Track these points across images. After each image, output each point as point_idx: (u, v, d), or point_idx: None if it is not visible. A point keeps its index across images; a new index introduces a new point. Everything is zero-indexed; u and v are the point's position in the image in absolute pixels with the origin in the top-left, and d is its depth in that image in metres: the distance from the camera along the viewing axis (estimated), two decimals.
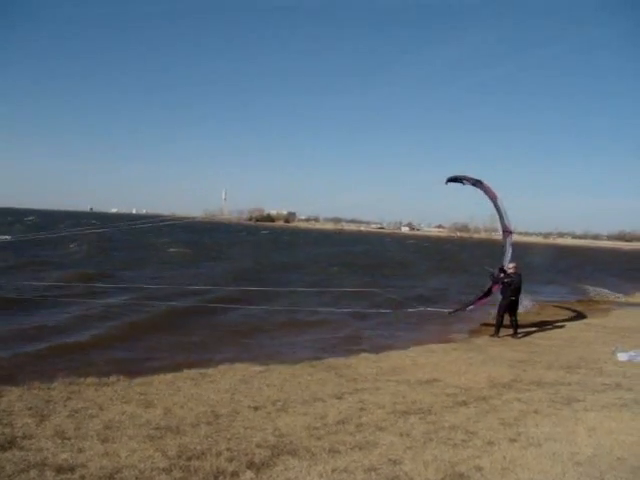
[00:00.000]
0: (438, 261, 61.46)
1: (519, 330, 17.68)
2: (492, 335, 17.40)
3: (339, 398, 9.48)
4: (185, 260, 44.17)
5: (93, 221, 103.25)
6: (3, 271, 28.98)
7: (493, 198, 18.41)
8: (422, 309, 20.97)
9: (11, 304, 19.31)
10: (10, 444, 6.62)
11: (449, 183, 19.19)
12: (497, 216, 19.19)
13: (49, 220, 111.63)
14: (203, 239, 79.93)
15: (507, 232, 18.66)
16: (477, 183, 18.63)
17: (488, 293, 18.81)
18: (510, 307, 17.57)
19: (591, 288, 35.07)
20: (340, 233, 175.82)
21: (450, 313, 19.98)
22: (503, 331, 17.44)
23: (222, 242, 76.33)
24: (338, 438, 7.31)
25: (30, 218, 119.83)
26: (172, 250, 52.48)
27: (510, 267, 17.79)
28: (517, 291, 17.60)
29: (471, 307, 19.50)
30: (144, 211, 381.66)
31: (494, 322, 17.94)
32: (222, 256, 50.80)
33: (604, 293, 33.25)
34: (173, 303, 21.33)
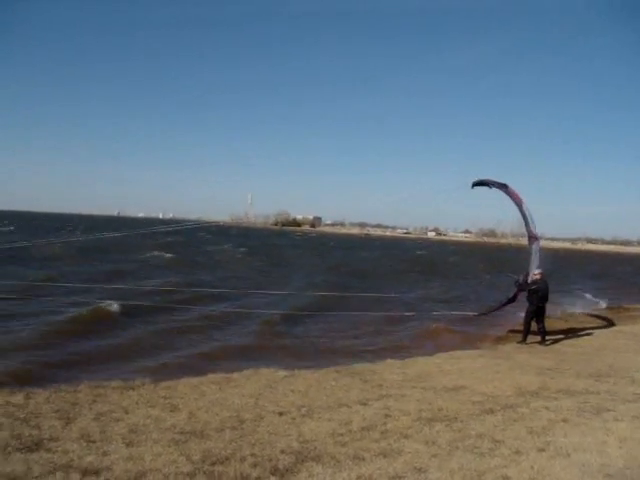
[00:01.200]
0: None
1: (547, 337, 17.44)
2: (519, 342, 17.17)
3: (364, 404, 9.42)
4: (265, 266, 44.95)
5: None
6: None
7: (519, 203, 18.23)
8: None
9: None
10: (37, 446, 6.68)
11: (475, 187, 19.03)
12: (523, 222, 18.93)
13: (94, 226, 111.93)
14: (251, 243, 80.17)
15: (533, 238, 18.40)
16: (502, 187, 18.47)
17: (513, 299, 18.64)
18: (537, 314, 17.34)
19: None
20: (367, 238, 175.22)
21: (475, 316, 19.93)
22: (530, 338, 17.23)
23: (272, 247, 76.44)
24: (363, 445, 7.25)
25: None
26: (240, 256, 53.31)
27: (536, 273, 17.56)
28: (544, 298, 17.34)
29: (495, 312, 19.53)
30: (171, 215, 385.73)
31: (521, 329, 17.72)
32: (291, 262, 51.09)
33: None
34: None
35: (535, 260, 18.21)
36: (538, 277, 17.47)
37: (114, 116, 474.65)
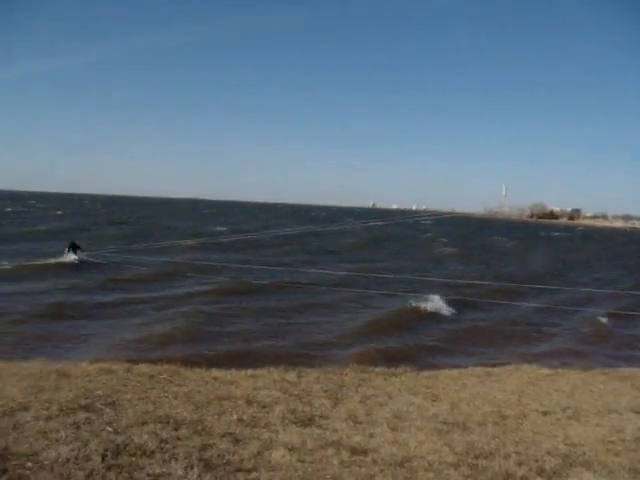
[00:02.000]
0: None
1: None
2: None
3: (637, 412, 8.73)
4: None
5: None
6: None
7: None
8: None
9: None
10: (310, 421, 7.16)
11: None
12: None
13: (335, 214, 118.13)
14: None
15: None
16: None
17: None
18: None
19: None
20: (632, 232, 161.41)
21: None
22: None
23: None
24: (639, 456, 6.72)
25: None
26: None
27: None
28: None
29: None
30: (424, 207, 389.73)
31: None
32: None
33: None
34: None
35: None
36: None
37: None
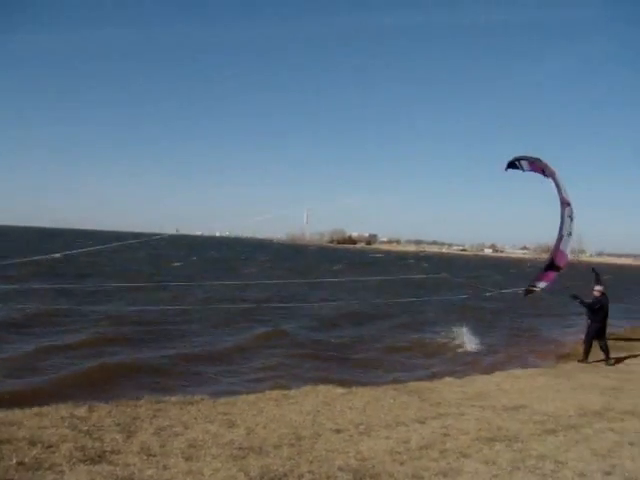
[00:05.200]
0: None
1: (611, 356, 16.94)
2: (580, 360, 16.81)
3: (422, 423, 9.30)
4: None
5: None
6: None
7: (552, 174, 17.96)
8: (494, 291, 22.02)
9: None
10: (100, 458, 6.80)
11: (508, 170, 18.65)
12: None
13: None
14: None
15: (565, 204, 18.03)
16: (537, 161, 18.20)
17: (551, 266, 18.12)
18: (599, 332, 16.85)
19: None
20: (423, 255, 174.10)
21: (525, 293, 19.33)
22: (592, 356, 16.79)
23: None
24: (421, 464, 7.16)
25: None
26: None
27: (597, 290, 17.09)
28: (605, 315, 16.92)
29: (542, 284, 18.71)
30: (227, 234, 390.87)
31: (581, 349, 17.30)
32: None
33: None
34: None
35: (566, 224, 17.86)
36: (598, 294, 17.00)
37: (169, 134, 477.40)
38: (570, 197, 18.20)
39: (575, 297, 17.12)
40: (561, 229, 17.87)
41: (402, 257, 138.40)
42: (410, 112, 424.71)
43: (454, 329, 21.71)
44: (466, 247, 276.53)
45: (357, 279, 37.63)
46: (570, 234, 18.01)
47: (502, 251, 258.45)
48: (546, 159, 18.34)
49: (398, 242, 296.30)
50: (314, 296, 33.68)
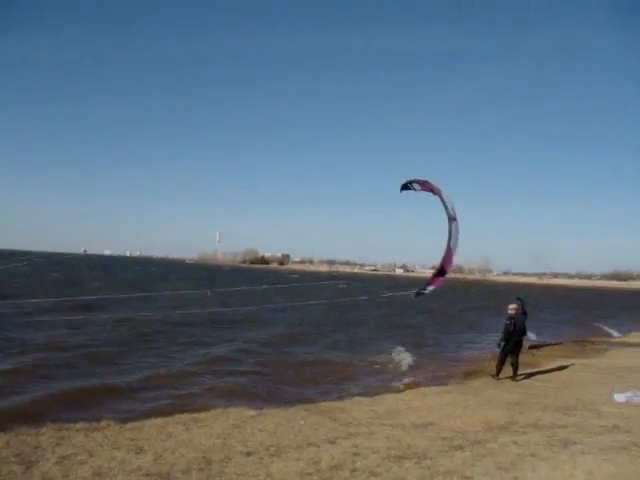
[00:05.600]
0: None
1: (518, 372, 17.52)
2: (493, 376, 17.24)
3: (333, 443, 9.32)
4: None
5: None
6: None
7: (439, 192, 19.06)
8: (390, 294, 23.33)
9: None
10: None
11: (403, 191, 19.62)
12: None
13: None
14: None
15: (452, 219, 19.08)
16: (426, 183, 19.25)
17: (441, 272, 19.04)
18: (513, 348, 17.35)
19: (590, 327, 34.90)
20: (336, 275, 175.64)
21: (416, 295, 20.14)
22: (502, 374, 17.30)
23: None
24: None
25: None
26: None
27: (512, 308, 17.66)
28: (521, 332, 17.48)
29: (431, 288, 19.61)
30: (137, 253, 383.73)
31: (490, 365, 17.83)
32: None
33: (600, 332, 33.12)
34: None
35: (454, 239, 18.81)
36: (513, 312, 17.50)
37: (74, 147, 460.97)
38: (456, 213, 19.27)
39: (504, 343, 17.47)
40: (449, 242, 18.91)
41: (317, 277, 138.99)
42: (320, 132, 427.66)
43: (376, 347, 22.10)
44: (378, 267, 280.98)
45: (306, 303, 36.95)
46: (456, 246, 19.10)
47: (413, 271, 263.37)
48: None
49: (311, 262, 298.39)
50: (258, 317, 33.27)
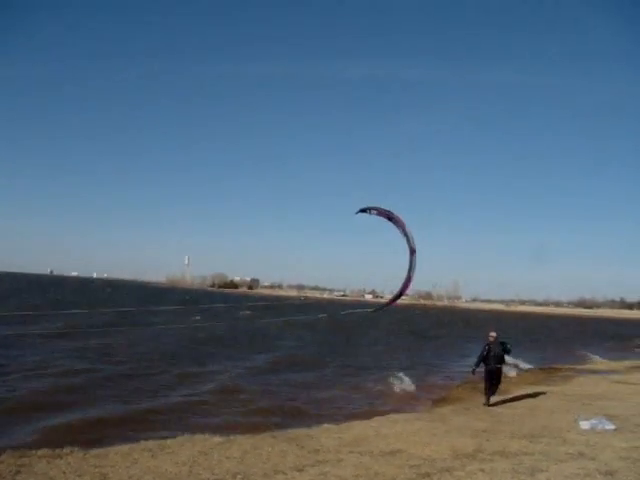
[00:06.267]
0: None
1: (491, 400, 17.74)
2: (484, 404, 17.46)
3: (300, 470, 9.26)
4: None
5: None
6: None
7: (402, 225, 20.05)
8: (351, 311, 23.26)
9: None
10: None
11: (359, 213, 20.50)
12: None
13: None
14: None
15: (412, 251, 20.03)
16: (387, 212, 20.21)
17: (400, 295, 19.93)
18: (492, 375, 17.62)
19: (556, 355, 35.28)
20: (306, 300, 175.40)
21: (372, 312, 21.75)
22: (470, 400, 17.45)
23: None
24: None
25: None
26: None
27: (491, 335, 18.00)
28: (498, 359, 17.72)
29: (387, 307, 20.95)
30: (105, 275, 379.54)
31: (458, 391, 18.04)
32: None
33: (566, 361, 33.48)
34: None
35: (413, 270, 19.69)
36: (491, 339, 17.81)
37: (41, 167, 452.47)
38: (415, 245, 20.33)
39: (476, 366, 17.87)
40: (409, 272, 19.94)
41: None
42: (287, 160, 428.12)
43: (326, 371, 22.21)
44: (347, 292, 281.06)
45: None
46: (414, 276, 20.23)
47: (382, 296, 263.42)
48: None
49: (280, 287, 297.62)
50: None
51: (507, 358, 18.68)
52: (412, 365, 28.97)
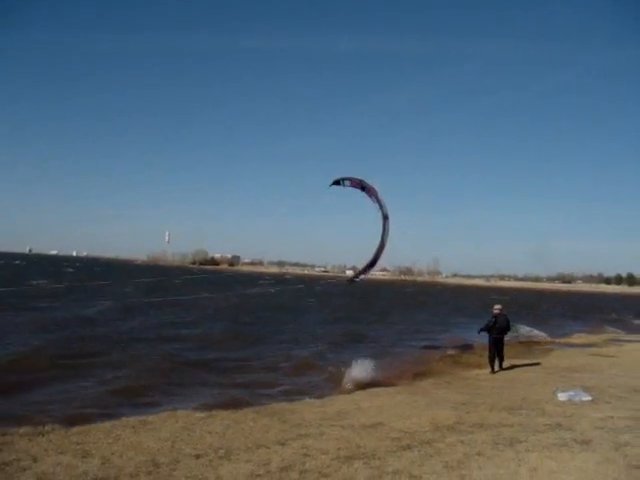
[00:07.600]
0: None
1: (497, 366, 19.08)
2: (491, 372, 18.75)
3: (282, 444, 9.32)
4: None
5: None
6: None
7: (374, 193, 20.71)
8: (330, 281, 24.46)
9: None
10: None
11: (332, 186, 21.53)
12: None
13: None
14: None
15: (385, 218, 21.33)
16: (361, 181, 20.76)
17: (374, 261, 21.45)
18: (497, 345, 18.93)
19: (529, 329, 35.59)
20: (286, 276, 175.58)
21: (349, 282, 24.04)
22: (451, 375, 17.85)
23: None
24: None
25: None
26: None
27: (496, 308, 19.19)
28: (503, 330, 19.01)
29: (362, 276, 22.67)
30: (84, 253, 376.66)
31: (438, 365, 18.53)
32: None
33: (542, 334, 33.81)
34: None
35: (386, 235, 21.32)
36: (497, 312, 19.09)
37: (21, 144, 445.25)
38: (389, 211, 21.47)
39: (481, 331, 19.46)
40: (382, 238, 20.55)
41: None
42: (269, 131, 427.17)
43: (317, 346, 22.30)
44: (328, 268, 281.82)
45: None
46: (386, 241, 20.75)
47: None
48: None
49: (261, 263, 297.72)
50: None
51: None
52: (394, 337, 29.22)
